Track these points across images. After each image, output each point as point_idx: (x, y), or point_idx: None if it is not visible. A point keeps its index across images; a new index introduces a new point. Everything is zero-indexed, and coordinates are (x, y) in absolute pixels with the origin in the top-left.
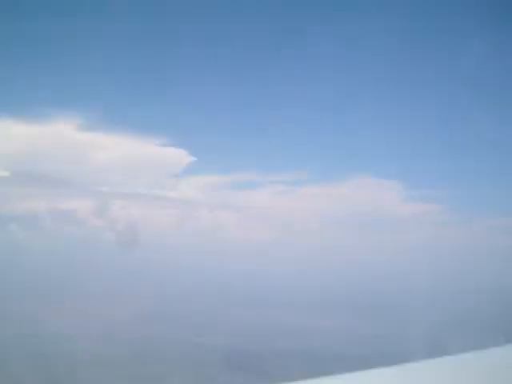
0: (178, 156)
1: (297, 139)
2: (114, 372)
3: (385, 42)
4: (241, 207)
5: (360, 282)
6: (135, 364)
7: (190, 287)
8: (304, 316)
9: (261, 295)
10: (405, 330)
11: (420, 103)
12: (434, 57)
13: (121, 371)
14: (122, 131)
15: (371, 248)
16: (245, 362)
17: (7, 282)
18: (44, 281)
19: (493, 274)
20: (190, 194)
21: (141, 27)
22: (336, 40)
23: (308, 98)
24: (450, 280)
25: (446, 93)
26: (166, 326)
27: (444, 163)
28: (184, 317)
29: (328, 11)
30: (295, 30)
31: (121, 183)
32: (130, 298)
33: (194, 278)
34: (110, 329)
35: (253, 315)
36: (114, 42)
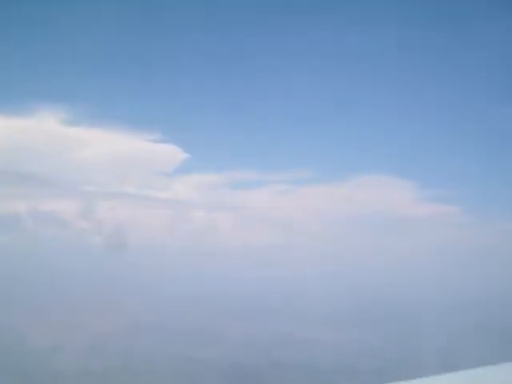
0: (171, 153)
1: (299, 135)
2: None
3: (393, 33)
4: (238, 208)
5: (367, 290)
6: (124, 378)
7: (182, 295)
8: (305, 326)
9: (259, 303)
10: (415, 342)
11: (435, 97)
12: (448, 47)
13: None
14: (110, 126)
15: (380, 252)
16: (242, 376)
17: None
18: (25, 287)
19: None
20: (184, 194)
21: (133, 16)
22: (341, 32)
23: (311, 92)
24: (467, 287)
25: (463, 85)
26: (156, 337)
27: (461, 161)
28: (176, 327)
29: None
30: (298, 22)
31: (108, 182)
32: (117, 306)
33: (188, 285)
34: (96, 340)
35: (250, 325)
36: (103, 30)
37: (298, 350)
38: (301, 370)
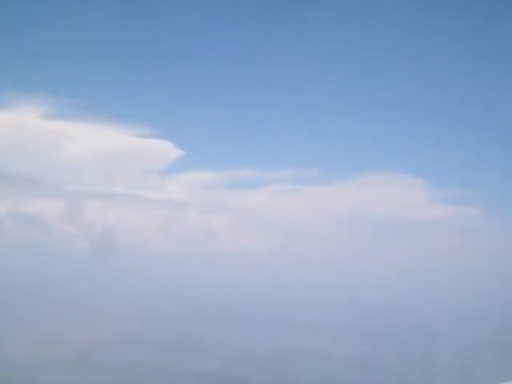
0: (164, 149)
1: (302, 130)
2: None
3: (401, 29)
4: (236, 209)
5: (375, 299)
6: None
7: (176, 303)
8: (308, 338)
9: (258, 313)
10: (429, 357)
11: (452, 90)
12: (465, 40)
13: None
14: (96, 120)
15: (390, 258)
16: None
17: None
18: (5, 295)
19: None
20: (178, 194)
21: (122, 3)
22: (349, 27)
23: (316, 85)
24: (487, 295)
25: (482, 78)
26: (147, 349)
27: (479, 158)
28: (169, 338)
29: None
30: (304, 14)
31: (96, 182)
32: (105, 315)
33: (181, 293)
34: (82, 353)
35: (249, 337)
36: (89, 17)
37: (299, 363)
38: None
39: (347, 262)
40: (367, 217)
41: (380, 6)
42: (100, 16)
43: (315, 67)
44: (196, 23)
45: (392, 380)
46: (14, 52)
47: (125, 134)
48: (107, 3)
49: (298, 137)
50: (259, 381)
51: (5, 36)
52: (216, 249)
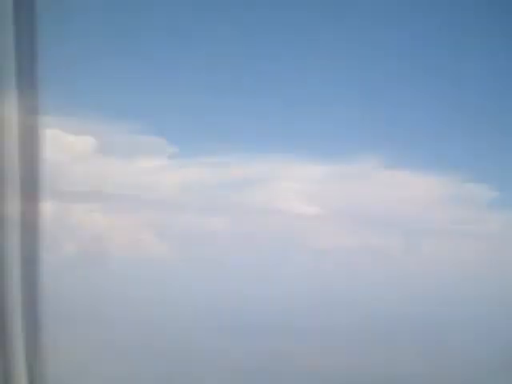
0: (157, 145)
1: (304, 128)
2: None
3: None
4: (236, 210)
5: (385, 308)
6: None
7: (171, 313)
8: (314, 352)
9: (260, 323)
10: (442, 370)
11: (459, 82)
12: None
13: None
14: (81, 114)
15: (392, 259)
16: None
17: None
18: None
19: None
20: (172, 194)
21: None
22: (349, 23)
23: (317, 82)
24: (507, 307)
25: (492, 68)
26: (141, 359)
27: (492, 155)
28: (165, 350)
29: None
30: (304, 12)
31: (84, 181)
32: (97, 325)
33: (177, 302)
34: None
35: (252, 350)
36: (80, 8)
37: (307, 378)
38: None
39: (351, 266)
40: (373, 218)
41: (380, 6)
42: (93, 10)
43: (315, 67)
44: (193, 7)
45: None
46: None
47: (114, 129)
48: None
49: (298, 133)
50: None
51: None
52: (213, 253)
